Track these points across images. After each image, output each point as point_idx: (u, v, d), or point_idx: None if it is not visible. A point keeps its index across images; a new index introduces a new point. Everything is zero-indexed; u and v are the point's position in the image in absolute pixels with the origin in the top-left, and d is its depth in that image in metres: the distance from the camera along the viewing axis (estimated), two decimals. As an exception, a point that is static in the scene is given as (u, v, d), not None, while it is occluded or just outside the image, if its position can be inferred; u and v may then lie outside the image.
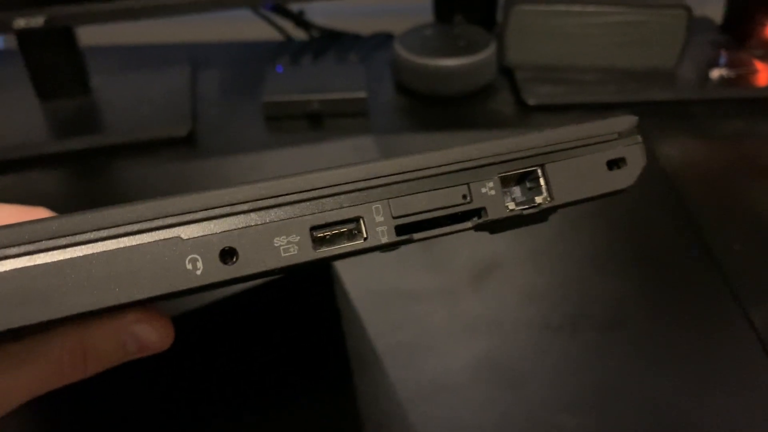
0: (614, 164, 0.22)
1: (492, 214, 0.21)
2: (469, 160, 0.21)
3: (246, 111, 0.65)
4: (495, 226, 0.22)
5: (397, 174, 0.20)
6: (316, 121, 0.63)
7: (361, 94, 0.63)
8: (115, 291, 0.17)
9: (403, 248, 0.49)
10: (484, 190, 0.21)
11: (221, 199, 0.18)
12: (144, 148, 0.60)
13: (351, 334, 0.41)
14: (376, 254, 0.49)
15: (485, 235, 0.49)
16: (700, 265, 0.47)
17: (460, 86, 0.65)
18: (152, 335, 0.22)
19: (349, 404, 0.38)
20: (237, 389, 0.39)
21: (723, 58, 0.68)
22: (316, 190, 0.19)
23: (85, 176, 0.58)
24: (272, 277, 0.44)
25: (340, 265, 0.45)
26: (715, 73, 0.66)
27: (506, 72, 0.69)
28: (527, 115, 0.64)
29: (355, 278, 0.45)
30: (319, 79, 0.65)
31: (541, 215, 0.22)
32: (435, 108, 0.65)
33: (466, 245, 0.48)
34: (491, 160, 0.21)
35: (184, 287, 0.18)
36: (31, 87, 0.64)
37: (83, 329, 0.21)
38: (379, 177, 0.20)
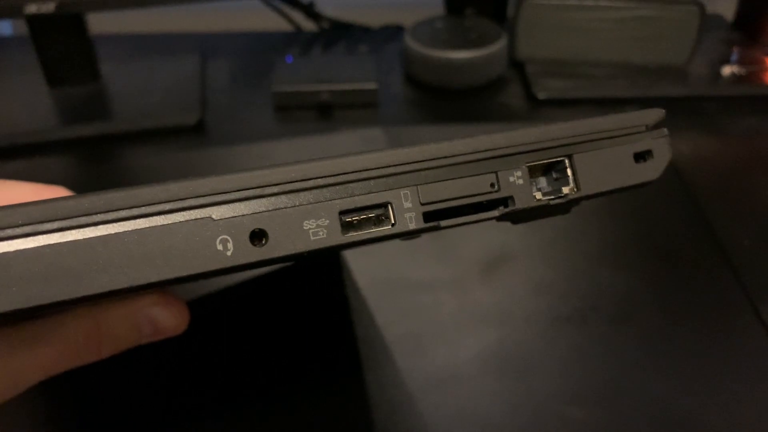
0: (641, 157, 0.22)
1: (519, 204, 0.21)
2: (498, 149, 0.21)
3: (255, 101, 0.64)
4: (520, 216, 0.22)
5: (426, 161, 0.20)
6: (325, 112, 0.63)
7: (371, 86, 0.63)
8: (147, 270, 0.17)
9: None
10: (512, 179, 0.21)
11: (252, 180, 0.18)
12: (153, 136, 0.60)
13: (359, 323, 0.41)
14: (385, 243, 0.49)
15: (495, 226, 0.49)
16: (709, 260, 0.47)
17: (471, 79, 0.65)
18: (168, 319, 0.23)
19: (358, 393, 0.38)
20: (244, 376, 0.39)
21: (735, 55, 0.68)
22: (346, 175, 0.19)
23: (94, 163, 0.58)
24: (281, 266, 0.44)
25: (348, 254, 0.45)
26: (727, 70, 0.66)
27: (517, 65, 0.69)
28: (537, 109, 0.64)
29: (364, 267, 0.45)
30: (328, 69, 0.65)
31: (565, 206, 0.22)
32: (445, 100, 0.65)
33: (476, 236, 0.48)
34: (520, 149, 0.21)
35: (215, 268, 0.18)
36: (40, 73, 0.63)
37: (99, 311, 0.21)
38: (408, 163, 0.20)
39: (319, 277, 0.45)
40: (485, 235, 0.48)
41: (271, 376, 0.39)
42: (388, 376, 0.39)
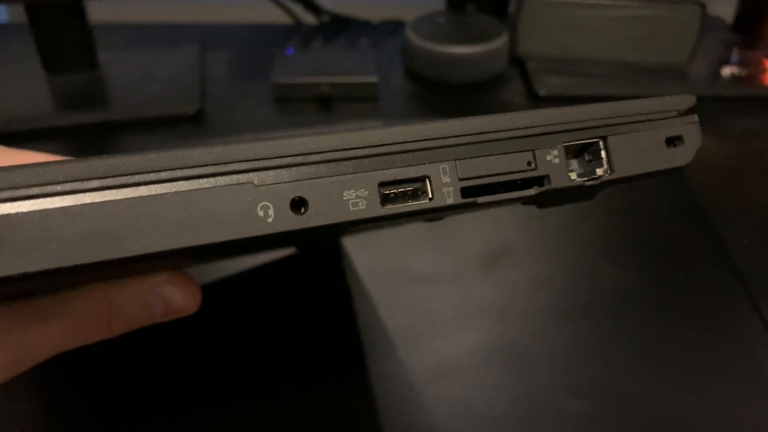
0: (672, 141, 0.22)
1: (555, 183, 0.21)
2: (537, 126, 0.20)
3: (255, 92, 0.64)
4: (551, 198, 0.21)
5: (465, 135, 0.20)
6: (325, 105, 0.63)
7: (372, 79, 0.63)
8: (187, 233, 0.17)
9: (412, 231, 0.48)
10: (548, 158, 0.21)
11: (294, 148, 0.18)
12: (151, 125, 0.59)
13: (360, 314, 0.41)
14: (386, 234, 0.48)
15: (496, 219, 0.49)
16: (710, 258, 0.47)
17: (471, 74, 0.65)
18: (180, 298, 0.22)
19: (358, 384, 0.37)
20: (244, 366, 0.38)
21: (734, 56, 0.68)
22: (386, 146, 0.19)
23: (91, 151, 0.58)
24: (282, 255, 0.44)
25: (350, 246, 0.45)
26: (727, 71, 0.66)
27: (517, 62, 0.69)
28: (537, 105, 0.64)
29: (365, 259, 0.45)
30: (329, 62, 0.65)
31: (592, 190, 0.22)
32: (445, 95, 0.65)
33: (477, 230, 0.48)
34: (558, 128, 0.21)
35: (255, 234, 0.17)
36: (38, 60, 0.63)
37: (111, 288, 0.21)
38: (447, 137, 0.20)
39: (320, 267, 0.45)
40: (486, 229, 0.48)
41: (272, 367, 0.39)
42: (388, 368, 0.38)
